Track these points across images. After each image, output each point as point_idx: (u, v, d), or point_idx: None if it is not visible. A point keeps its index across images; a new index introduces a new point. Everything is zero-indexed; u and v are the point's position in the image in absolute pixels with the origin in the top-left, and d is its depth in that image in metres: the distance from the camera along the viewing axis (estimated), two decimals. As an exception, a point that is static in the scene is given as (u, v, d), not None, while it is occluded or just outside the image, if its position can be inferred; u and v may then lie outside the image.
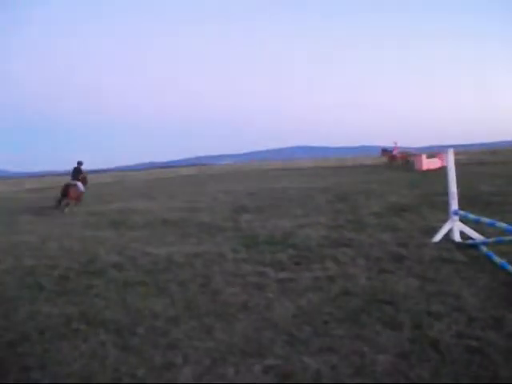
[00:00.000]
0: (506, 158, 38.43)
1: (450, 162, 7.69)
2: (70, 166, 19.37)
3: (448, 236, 7.47)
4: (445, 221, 7.67)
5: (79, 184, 18.71)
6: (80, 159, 19.30)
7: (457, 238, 7.47)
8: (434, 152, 40.01)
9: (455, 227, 7.54)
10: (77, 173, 19.06)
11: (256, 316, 4.56)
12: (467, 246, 7.02)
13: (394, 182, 20.89)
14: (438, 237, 7.46)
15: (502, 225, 6.07)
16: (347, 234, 8.50)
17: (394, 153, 40.41)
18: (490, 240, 6.72)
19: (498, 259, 5.95)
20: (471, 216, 7.07)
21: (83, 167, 19.43)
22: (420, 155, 33.51)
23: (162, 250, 7.99)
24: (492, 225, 6.40)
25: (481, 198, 12.28)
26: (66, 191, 17.75)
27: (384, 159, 42.37)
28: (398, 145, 41.91)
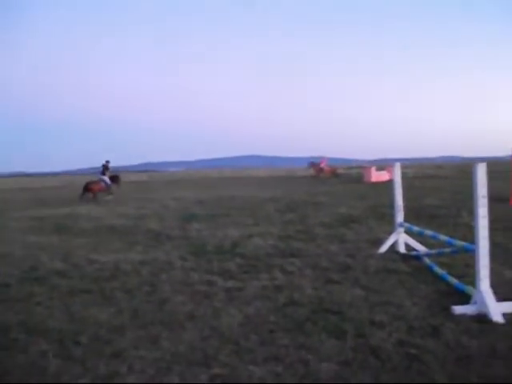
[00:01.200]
0: (450, 173, 39.90)
1: (397, 175, 7.93)
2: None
3: (393, 247, 7.68)
4: (391, 232, 7.89)
5: (105, 178, 23.50)
6: (107, 159, 24.04)
7: (401, 249, 7.70)
8: (383, 165, 41.05)
9: (400, 239, 7.77)
10: (104, 169, 23.70)
11: (203, 325, 4.53)
12: (411, 257, 7.25)
13: (342, 193, 21.32)
14: (383, 248, 7.66)
15: (444, 237, 6.30)
16: (296, 244, 8.59)
17: (322, 165, 41.95)
18: (433, 252, 6.97)
19: (439, 270, 6.17)
20: (415, 228, 7.30)
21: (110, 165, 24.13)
22: (369, 168, 34.29)
23: (109, 257, 7.84)
24: (434, 237, 6.62)
25: (425, 210, 12.71)
26: (86, 187, 22.52)
27: (312, 172, 43.40)
28: (327, 157, 44.21)
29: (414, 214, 10.57)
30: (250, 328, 4.39)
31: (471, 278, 5.10)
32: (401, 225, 7.76)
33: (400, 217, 7.81)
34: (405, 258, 7.22)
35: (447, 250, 6.34)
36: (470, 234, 5.20)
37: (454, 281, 5.57)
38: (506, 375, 3.33)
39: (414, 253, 7.44)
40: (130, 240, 9.83)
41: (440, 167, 59.58)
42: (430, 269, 6.41)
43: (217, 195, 22.30)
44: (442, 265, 6.41)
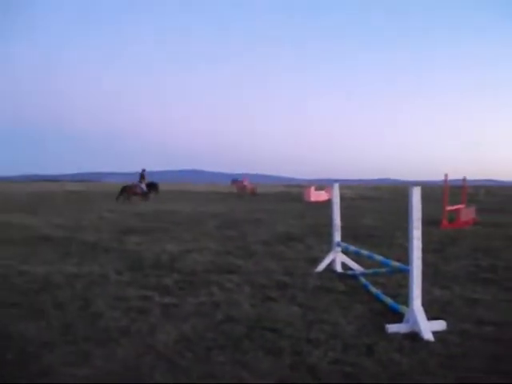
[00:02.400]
0: (386, 195, 41.25)
1: (336, 195, 8.08)
2: None
3: (331, 266, 7.80)
4: (329, 251, 8.00)
5: (141, 185, 27.80)
6: (143, 167, 28.78)
7: (338, 268, 7.82)
8: (322, 185, 41.81)
9: (337, 258, 7.90)
10: (141, 177, 28.07)
11: (137, 341, 4.40)
12: (347, 276, 7.38)
13: (282, 211, 21.53)
14: (321, 266, 7.76)
15: (379, 257, 6.46)
16: (234, 260, 8.55)
17: (245, 183, 42.96)
18: (368, 271, 7.14)
19: (374, 289, 6.32)
20: (352, 248, 7.46)
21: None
22: (309, 187, 34.84)
23: (40, 269, 7.50)
24: (370, 257, 6.78)
25: (362, 230, 13.05)
26: (124, 189, 27.39)
27: (234, 189, 44.11)
28: (247, 178, 45.37)
29: (351, 233, 10.80)
30: (186, 345, 4.31)
31: (404, 297, 5.25)
32: (338, 244, 7.89)
33: (337, 236, 7.95)
34: (341, 276, 7.34)
35: (382, 269, 6.51)
36: (404, 255, 5.36)
37: (388, 300, 5.72)
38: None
39: (350, 272, 7.58)
40: (63, 251, 9.46)
41: (377, 189, 61.50)
42: (365, 288, 6.55)
43: (155, 208, 21.93)
44: (376, 284, 6.58)
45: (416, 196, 4.94)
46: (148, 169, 30.21)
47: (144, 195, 27.58)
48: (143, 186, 27.92)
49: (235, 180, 45.48)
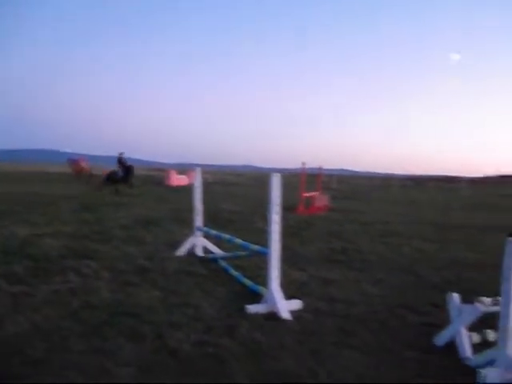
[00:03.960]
0: (247, 181, 42.41)
1: (198, 180, 8.10)
2: None
3: (192, 250, 7.83)
4: (190, 235, 8.02)
5: (120, 171, 23.62)
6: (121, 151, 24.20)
7: (199, 252, 7.89)
8: (184, 169, 41.42)
9: (198, 242, 7.96)
10: (118, 162, 23.91)
11: (-18, 335, 4.04)
12: (208, 259, 7.48)
13: (143, 195, 21.12)
14: (182, 251, 7.77)
15: (239, 241, 6.60)
16: (92, 245, 8.19)
17: (82, 164, 37.32)
18: (229, 255, 7.29)
19: (234, 272, 6.48)
20: (213, 232, 7.55)
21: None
22: (170, 171, 34.47)
23: None
24: (231, 241, 6.91)
25: (223, 215, 13.28)
26: (109, 177, 23.42)
27: (71, 169, 38.35)
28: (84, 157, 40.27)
29: (212, 218, 10.94)
30: (39, 336, 4.04)
31: (263, 279, 5.46)
32: (199, 228, 7.95)
33: (199, 220, 8.00)
34: (202, 260, 7.42)
35: (243, 253, 6.69)
36: (263, 238, 5.56)
37: (248, 282, 5.91)
38: (292, 365, 3.64)
39: (211, 256, 7.69)
40: None
41: (239, 175, 62.96)
42: (226, 271, 6.70)
43: (5, 190, 20.16)
44: (237, 267, 6.76)
45: (276, 182, 5.13)
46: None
47: (125, 182, 23.63)
48: (120, 171, 23.69)
49: (71, 160, 38.96)
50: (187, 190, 20.88)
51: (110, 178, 23.32)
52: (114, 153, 24.60)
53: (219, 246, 8.00)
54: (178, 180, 32.52)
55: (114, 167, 24.08)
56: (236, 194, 24.87)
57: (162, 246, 8.45)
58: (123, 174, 23.66)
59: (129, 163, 24.33)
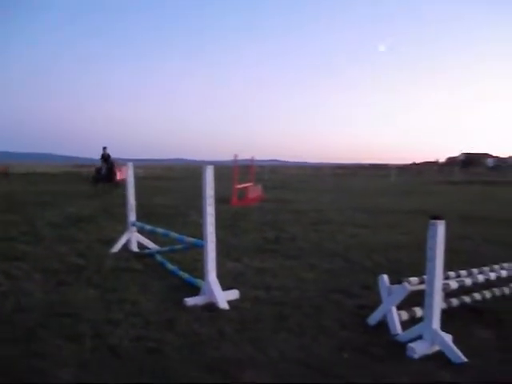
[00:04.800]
0: (179, 174, 42.01)
1: (130, 175, 7.99)
2: None
3: (126, 246, 7.74)
4: (123, 231, 7.92)
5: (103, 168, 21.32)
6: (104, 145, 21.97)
7: (134, 247, 7.82)
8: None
9: (133, 238, 7.88)
10: (102, 159, 21.27)
11: None
12: (144, 255, 7.43)
13: (70, 192, 20.52)
14: (116, 247, 7.66)
15: (174, 235, 6.59)
16: (21, 246, 7.90)
17: None
18: (164, 249, 7.27)
19: (170, 266, 6.49)
20: (147, 227, 7.48)
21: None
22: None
23: None
24: (166, 235, 6.88)
25: (157, 209, 13.17)
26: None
27: None
28: None
29: (145, 212, 10.84)
30: (-31, 343, 3.90)
31: (200, 271, 5.52)
32: (133, 224, 7.87)
33: (132, 216, 7.91)
34: (138, 256, 7.37)
35: (178, 246, 6.69)
36: (198, 231, 5.60)
37: (185, 275, 5.94)
38: (232, 352, 3.74)
39: (146, 251, 7.64)
40: None
41: (170, 169, 62.20)
42: (162, 265, 6.69)
43: None
44: (173, 261, 6.78)
45: (209, 175, 5.15)
46: None
47: (109, 180, 21.39)
48: (104, 169, 21.35)
49: None
50: (118, 186, 20.53)
51: (94, 177, 21.76)
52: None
53: (154, 241, 7.96)
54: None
55: (99, 164, 21.87)
56: (169, 187, 24.67)
57: (96, 243, 8.30)
58: (106, 171, 21.44)
59: (111, 160, 21.89)
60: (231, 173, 17.26)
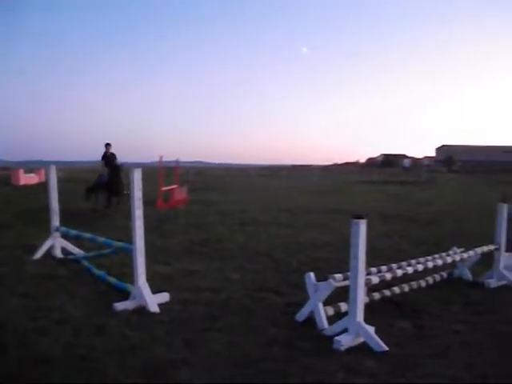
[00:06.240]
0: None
1: (52, 178, 7.70)
2: None
3: (50, 252, 7.51)
4: (46, 237, 7.67)
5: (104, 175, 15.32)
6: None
7: (58, 253, 7.60)
8: (31, 167, 38.57)
9: (57, 243, 7.66)
10: (105, 160, 15.25)
11: None
12: (69, 261, 7.25)
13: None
14: (39, 254, 7.41)
15: (101, 239, 6.47)
16: None
17: None
18: (90, 254, 7.13)
19: (97, 271, 6.39)
20: (72, 232, 7.28)
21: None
22: (17, 170, 31.98)
23: None
24: (92, 240, 6.74)
25: (81, 214, 12.80)
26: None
27: None
28: None
29: (70, 217, 10.50)
30: None
31: (129, 275, 5.50)
32: (57, 229, 7.64)
33: (56, 220, 7.68)
34: (62, 262, 7.18)
35: (106, 251, 6.59)
36: (125, 235, 5.56)
37: (113, 280, 5.89)
38: (165, 354, 3.79)
39: (71, 256, 7.46)
40: None
41: (94, 171, 60.16)
42: (89, 271, 6.57)
43: None
44: (100, 266, 6.66)
45: (137, 177, 5.14)
46: None
47: (110, 191, 14.72)
48: (106, 174, 14.88)
49: None
50: (38, 190, 19.71)
51: (93, 186, 15.29)
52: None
53: (81, 246, 7.78)
54: (26, 179, 30.33)
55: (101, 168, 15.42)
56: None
57: (17, 250, 7.97)
58: (108, 178, 14.78)
59: (117, 162, 15.11)
60: (156, 174, 17.04)
